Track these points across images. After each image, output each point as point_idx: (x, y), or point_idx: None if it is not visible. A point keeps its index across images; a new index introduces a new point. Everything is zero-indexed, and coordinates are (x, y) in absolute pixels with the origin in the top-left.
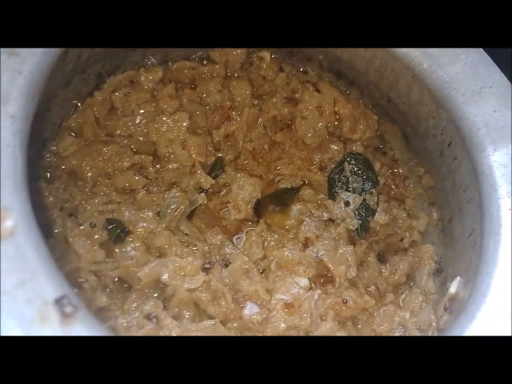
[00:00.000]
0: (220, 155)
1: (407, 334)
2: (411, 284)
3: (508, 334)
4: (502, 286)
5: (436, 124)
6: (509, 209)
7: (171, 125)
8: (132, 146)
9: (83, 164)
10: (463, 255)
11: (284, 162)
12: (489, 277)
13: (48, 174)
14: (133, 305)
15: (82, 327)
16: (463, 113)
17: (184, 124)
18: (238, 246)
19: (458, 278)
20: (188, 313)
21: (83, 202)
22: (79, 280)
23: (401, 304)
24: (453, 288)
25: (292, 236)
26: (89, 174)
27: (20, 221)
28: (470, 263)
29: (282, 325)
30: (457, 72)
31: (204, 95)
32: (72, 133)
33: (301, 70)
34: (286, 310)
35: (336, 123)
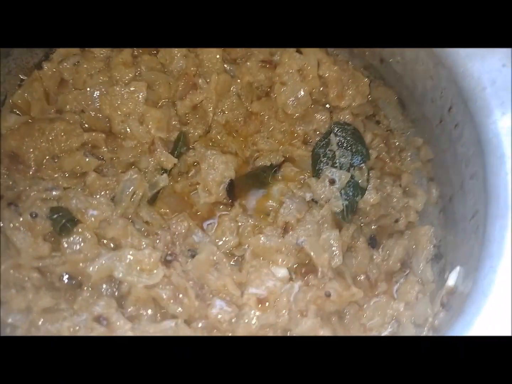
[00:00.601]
0: (184, 130)
1: (400, 329)
2: (407, 272)
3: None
4: (507, 284)
5: (434, 85)
6: None
7: (126, 97)
8: (84, 123)
9: (24, 146)
10: (464, 240)
11: (262, 136)
12: (492, 272)
13: None
14: (84, 305)
15: None
16: (465, 70)
17: (141, 95)
18: (209, 233)
19: (458, 268)
20: (148, 312)
21: (27, 188)
22: (20, 278)
23: (395, 295)
24: (451, 280)
25: (271, 221)
26: (31, 156)
27: None
28: (472, 252)
29: (255, 323)
30: None
31: (167, 61)
32: (18, 111)
33: None
34: (259, 306)
35: (321, 89)
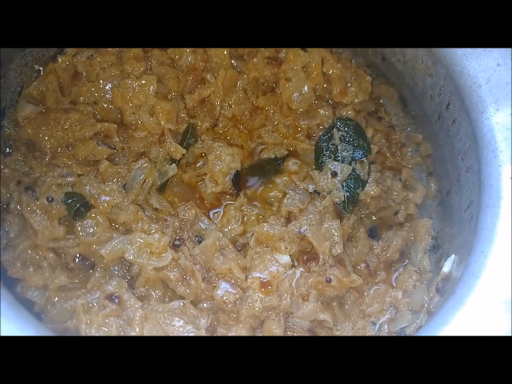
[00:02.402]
0: (192, 121)
1: (398, 315)
2: (405, 262)
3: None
4: (498, 267)
5: (433, 83)
6: (511, 178)
7: (137, 90)
8: (97, 114)
9: (41, 134)
10: (459, 230)
11: (267, 130)
12: (483, 256)
13: (7, 145)
14: (96, 285)
15: None
16: (462, 68)
17: (151, 89)
18: (215, 221)
19: (453, 256)
20: (157, 293)
21: (43, 174)
22: (37, 257)
23: (394, 283)
24: (446, 267)
25: (275, 210)
26: (47, 144)
27: None
28: (465, 240)
29: (258, 305)
30: None
31: (177, 56)
32: (33, 101)
33: None
34: (262, 289)
35: (324, 85)
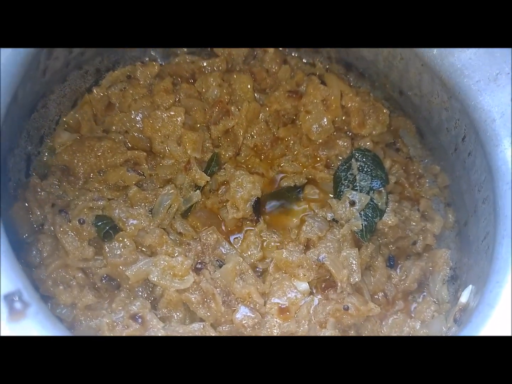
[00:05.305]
0: (217, 151)
1: None
2: (423, 292)
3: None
4: None
5: (449, 116)
6: None
7: (166, 121)
8: (128, 142)
9: (75, 160)
10: (476, 261)
11: (287, 159)
12: (498, 287)
13: (43, 170)
14: (121, 305)
15: (32, 324)
16: (476, 103)
17: (179, 119)
18: (236, 246)
19: (470, 286)
20: (178, 314)
21: (76, 198)
22: (67, 277)
23: (412, 313)
24: (464, 297)
25: (294, 237)
26: (81, 170)
27: None
28: (482, 271)
29: (276, 330)
30: (470, 57)
31: (203, 90)
32: (69, 130)
33: (308, 62)
34: (281, 315)
35: (343, 118)
